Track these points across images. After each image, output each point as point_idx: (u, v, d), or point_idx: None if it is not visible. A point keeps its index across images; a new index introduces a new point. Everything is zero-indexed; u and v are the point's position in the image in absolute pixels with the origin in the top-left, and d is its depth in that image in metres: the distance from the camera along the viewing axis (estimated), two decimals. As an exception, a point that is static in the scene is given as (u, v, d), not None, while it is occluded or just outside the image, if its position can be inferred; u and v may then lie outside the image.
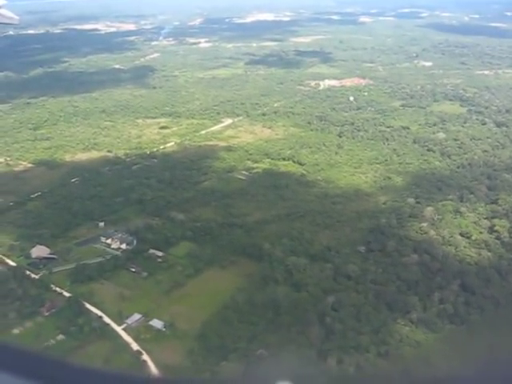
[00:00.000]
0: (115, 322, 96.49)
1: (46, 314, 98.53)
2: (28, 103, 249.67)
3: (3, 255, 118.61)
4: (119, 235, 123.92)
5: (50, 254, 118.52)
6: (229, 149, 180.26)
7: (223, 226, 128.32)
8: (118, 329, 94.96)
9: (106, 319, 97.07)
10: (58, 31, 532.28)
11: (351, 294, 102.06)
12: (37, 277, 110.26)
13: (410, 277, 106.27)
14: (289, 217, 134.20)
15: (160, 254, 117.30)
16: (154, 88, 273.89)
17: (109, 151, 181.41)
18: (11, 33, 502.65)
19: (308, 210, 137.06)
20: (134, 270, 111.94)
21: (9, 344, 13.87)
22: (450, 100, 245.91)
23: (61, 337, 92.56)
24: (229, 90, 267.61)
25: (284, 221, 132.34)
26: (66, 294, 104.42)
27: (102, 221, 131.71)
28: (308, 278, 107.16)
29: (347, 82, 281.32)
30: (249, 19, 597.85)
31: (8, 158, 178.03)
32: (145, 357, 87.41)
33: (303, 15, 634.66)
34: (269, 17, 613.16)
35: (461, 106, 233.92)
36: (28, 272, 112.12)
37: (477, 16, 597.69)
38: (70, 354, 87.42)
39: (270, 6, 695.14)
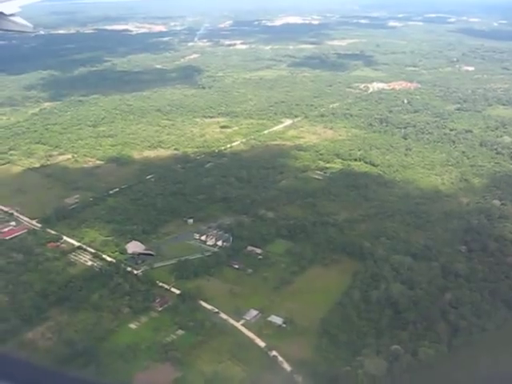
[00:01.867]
0: (232, 317, 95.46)
1: (160, 309, 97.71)
2: (80, 101, 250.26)
3: (97, 250, 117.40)
4: (214, 232, 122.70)
5: (146, 249, 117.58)
6: (298, 148, 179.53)
7: (316, 224, 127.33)
8: (237, 324, 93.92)
9: (223, 315, 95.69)
10: (89, 31, 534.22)
11: (466, 292, 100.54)
12: (138, 272, 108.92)
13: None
14: (377, 216, 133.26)
15: (259, 251, 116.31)
16: (204, 88, 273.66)
17: (176, 149, 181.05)
18: (42, 32, 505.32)
19: (395, 210, 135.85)
20: (237, 266, 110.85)
21: (8, 354, 13.56)
22: (504, 104, 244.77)
23: (180, 332, 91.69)
24: (279, 91, 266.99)
25: (374, 220, 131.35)
26: (175, 290, 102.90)
27: (190, 217, 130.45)
28: (417, 276, 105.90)
29: (396, 85, 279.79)
30: (278, 22, 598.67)
31: (75, 155, 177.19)
32: (274, 352, 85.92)
33: (331, 19, 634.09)
34: (297, 20, 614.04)
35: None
36: (128, 267, 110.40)
37: (505, 21, 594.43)
38: (195, 349, 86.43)
39: (296, 9, 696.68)
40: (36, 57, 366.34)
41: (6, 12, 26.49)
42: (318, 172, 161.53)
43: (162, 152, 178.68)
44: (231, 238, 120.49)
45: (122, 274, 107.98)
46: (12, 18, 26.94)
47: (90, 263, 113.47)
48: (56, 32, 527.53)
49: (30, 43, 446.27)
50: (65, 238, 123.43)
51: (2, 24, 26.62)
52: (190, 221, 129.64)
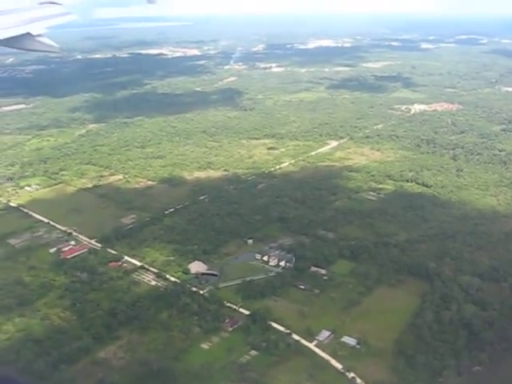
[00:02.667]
0: (305, 338, 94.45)
1: (230, 329, 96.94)
2: (125, 123, 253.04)
3: (160, 270, 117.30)
4: (276, 252, 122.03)
5: (209, 269, 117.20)
6: (348, 170, 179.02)
7: (377, 245, 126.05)
8: (311, 345, 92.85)
9: (295, 336, 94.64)
10: (125, 55, 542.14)
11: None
12: (204, 292, 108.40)
13: None
14: (437, 237, 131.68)
15: (323, 271, 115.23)
16: (246, 110, 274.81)
17: (226, 170, 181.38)
18: (79, 57, 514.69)
19: (455, 231, 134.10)
20: (303, 287, 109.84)
21: (9, 375, 12.68)
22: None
23: (254, 352, 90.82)
24: (321, 112, 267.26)
25: (434, 241, 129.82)
26: (243, 310, 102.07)
27: (249, 238, 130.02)
28: (488, 296, 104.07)
29: (437, 107, 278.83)
30: (310, 45, 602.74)
31: (126, 175, 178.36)
32: (352, 374, 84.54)
33: (363, 42, 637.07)
34: (329, 43, 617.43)
35: None
36: (193, 287, 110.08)
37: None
38: (271, 370, 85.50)
39: (327, 33, 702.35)
40: (76, 80, 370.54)
41: (33, 33, 26.81)
42: (371, 193, 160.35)
43: (212, 173, 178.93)
44: (294, 259, 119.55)
45: (189, 293, 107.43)
46: (39, 39, 27.37)
47: (153, 283, 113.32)
48: (93, 56, 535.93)
49: (68, 67, 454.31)
50: (126, 257, 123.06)
51: (29, 44, 27.70)
52: (250, 241, 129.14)
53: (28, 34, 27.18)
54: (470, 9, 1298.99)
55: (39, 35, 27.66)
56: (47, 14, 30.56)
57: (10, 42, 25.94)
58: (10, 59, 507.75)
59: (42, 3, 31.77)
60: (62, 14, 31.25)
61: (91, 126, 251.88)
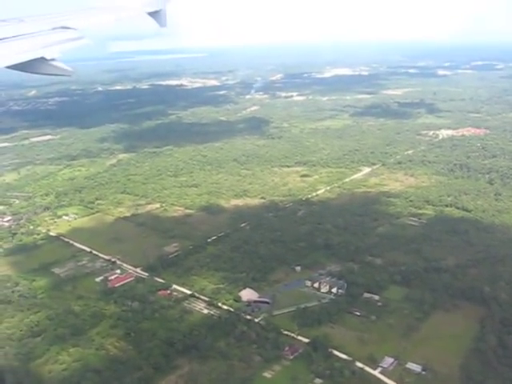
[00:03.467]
0: (368, 365, 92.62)
1: (291, 357, 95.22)
2: (154, 152, 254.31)
3: (210, 298, 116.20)
4: (327, 279, 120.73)
5: (260, 297, 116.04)
6: (386, 195, 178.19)
7: (427, 270, 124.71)
8: (375, 372, 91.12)
9: (358, 363, 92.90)
10: (145, 87, 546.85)
11: None
12: (259, 320, 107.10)
13: None
14: (486, 261, 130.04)
15: (376, 297, 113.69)
16: (273, 138, 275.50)
17: (262, 198, 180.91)
18: (100, 89, 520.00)
19: (504, 255, 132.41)
20: (358, 313, 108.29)
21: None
22: None
23: (318, 380, 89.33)
24: (349, 139, 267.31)
25: (484, 265, 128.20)
26: (301, 338, 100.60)
27: (297, 265, 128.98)
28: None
29: (464, 132, 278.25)
30: (327, 74, 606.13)
31: (163, 204, 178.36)
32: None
33: (379, 69, 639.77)
34: (346, 71, 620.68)
35: None
36: (247, 315, 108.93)
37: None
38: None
39: (342, 62, 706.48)
40: (100, 111, 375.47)
41: (48, 57, 27.61)
42: (412, 218, 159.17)
43: (249, 201, 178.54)
44: (345, 285, 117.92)
45: (244, 321, 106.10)
46: (53, 63, 27.82)
47: (205, 311, 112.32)
48: (113, 88, 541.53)
49: (91, 99, 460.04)
50: (174, 285, 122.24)
51: (43, 68, 28.04)
52: (298, 268, 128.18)
53: (42, 58, 27.67)
54: (480, 36, 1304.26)
55: (53, 59, 27.89)
56: (61, 39, 31.04)
57: (25, 66, 26.60)
58: (33, 92, 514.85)
59: (55, 28, 32.12)
60: (76, 39, 31.61)
61: (121, 156, 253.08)
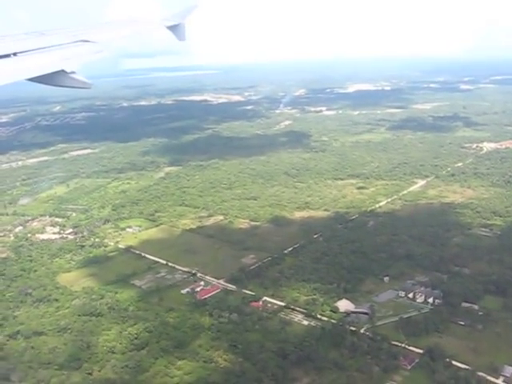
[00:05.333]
0: (490, 374, 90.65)
1: (409, 367, 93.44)
2: (201, 165, 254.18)
3: (306, 309, 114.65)
4: (422, 289, 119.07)
5: (357, 307, 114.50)
6: (451, 207, 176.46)
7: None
8: (499, 381, 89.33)
9: (478, 372, 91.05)
10: (170, 102, 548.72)
11: None
12: (364, 331, 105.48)
13: None
14: None
15: (476, 307, 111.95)
16: (317, 152, 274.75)
17: (326, 210, 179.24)
18: (125, 104, 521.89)
19: None
20: (462, 323, 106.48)
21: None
22: None
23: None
24: (394, 152, 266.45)
25: None
26: (412, 348, 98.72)
27: (385, 275, 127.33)
28: None
29: (508, 144, 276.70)
30: (350, 89, 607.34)
31: (226, 216, 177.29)
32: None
33: (400, 84, 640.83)
34: (368, 87, 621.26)
35: None
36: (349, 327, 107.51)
37: None
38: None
39: (360, 77, 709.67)
40: (133, 126, 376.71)
41: (68, 70, 27.97)
42: (483, 229, 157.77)
43: (313, 213, 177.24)
44: (441, 295, 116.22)
45: (350, 332, 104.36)
46: (72, 75, 28.36)
47: (305, 322, 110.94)
48: (138, 103, 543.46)
49: (118, 114, 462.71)
50: (264, 297, 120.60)
51: (62, 81, 28.11)
52: (386, 278, 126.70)
53: (62, 70, 27.78)
54: (489, 51, 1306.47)
55: (73, 72, 28.22)
56: (81, 52, 31.99)
57: (45, 78, 26.82)
58: (57, 107, 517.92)
59: (76, 41, 32.25)
60: (96, 52, 31.81)
61: (167, 169, 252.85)
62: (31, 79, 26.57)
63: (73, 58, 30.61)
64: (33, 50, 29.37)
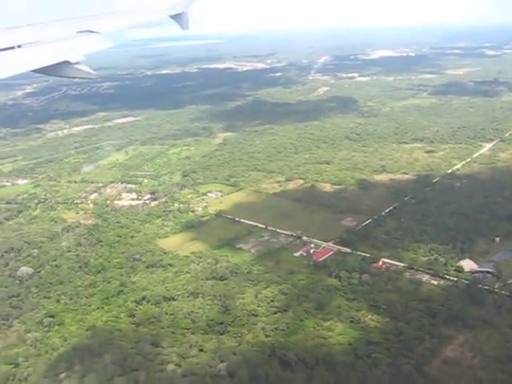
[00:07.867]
0: None
1: None
2: (257, 131, 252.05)
3: (430, 269, 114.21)
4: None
5: (481, 267, 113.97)
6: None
7: None
8: None
9: None
10: (194, 70, 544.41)
11: None
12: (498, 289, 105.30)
13: None
14: None
15: None
16: (369, 117, 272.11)
17: (404, 173, 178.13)
18: (148, 73, 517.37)
19: None
20: None
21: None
22: None
23: None
24: (448, 117, 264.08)
25: None
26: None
27: (496, 236, 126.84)
28: None
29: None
30: (374, 56, 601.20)
31: (305, 181, 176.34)
32: None
33: (423, 51, 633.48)
34: (391, 53, 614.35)
35: None
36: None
37: None
38: None
39: (380, 44, 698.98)
40: (167, 94, 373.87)
41: (72, 60, 28.51)
42: None
43: (393, 176, 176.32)
44: None
45: (485, 291, 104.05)
46: (77, 66, 28.90)
47: (434, 282, 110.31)
48: (161, 72, 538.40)
49: (144, 82, 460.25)
50: (383, 259, 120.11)
51: (67, 72, 28.79)
52: (497, 239, 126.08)
53: (66, 61, 28.36)
54: (504, 17, 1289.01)
55: (77, 63, 28.91)
56: (85, 43, 32.28)
57: (50, 69, 27.39)
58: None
59: (79, 32, 33.01)
60: (100, 42, 32.79)
61: (223, 135, 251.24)
62: (36, 70, 26.94)
63: (77, 48, 31.02)
64: (37, 41, 29.59)
